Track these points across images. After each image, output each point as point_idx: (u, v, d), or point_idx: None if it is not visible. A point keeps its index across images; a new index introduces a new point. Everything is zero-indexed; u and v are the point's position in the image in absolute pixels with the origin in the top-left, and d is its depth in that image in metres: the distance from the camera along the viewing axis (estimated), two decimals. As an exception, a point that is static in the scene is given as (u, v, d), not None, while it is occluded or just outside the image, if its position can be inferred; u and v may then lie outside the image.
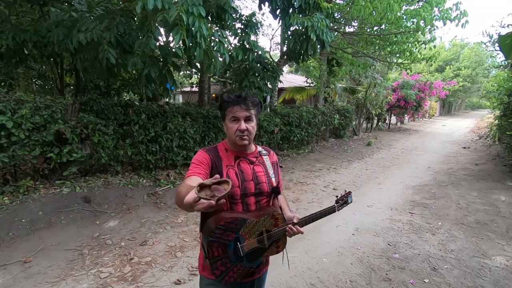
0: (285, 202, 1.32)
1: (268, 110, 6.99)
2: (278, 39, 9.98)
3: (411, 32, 6.02)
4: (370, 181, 5.49)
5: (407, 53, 6.67)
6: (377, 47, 7.29)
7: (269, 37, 17.07)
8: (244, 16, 5.09)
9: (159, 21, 2.88)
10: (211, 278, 1.16)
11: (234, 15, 4.23)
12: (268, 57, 6.30)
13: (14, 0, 4.06)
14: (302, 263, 2.64)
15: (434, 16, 5.69)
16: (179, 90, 11.64)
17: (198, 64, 5.91)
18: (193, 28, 2.91)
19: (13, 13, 4.49)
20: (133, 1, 3.15)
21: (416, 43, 6.50)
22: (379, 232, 3.30)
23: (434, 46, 7.07)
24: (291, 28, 4.71)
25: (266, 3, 4.64)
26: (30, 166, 3.44)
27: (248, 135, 1.14)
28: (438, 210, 3.99)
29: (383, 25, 5.90)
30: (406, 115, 15.62)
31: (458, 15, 5.44)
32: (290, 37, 4.80)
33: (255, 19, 5.10)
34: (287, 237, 1.20)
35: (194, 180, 0.99)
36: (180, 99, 14.27)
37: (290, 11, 4.52)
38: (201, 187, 0.79)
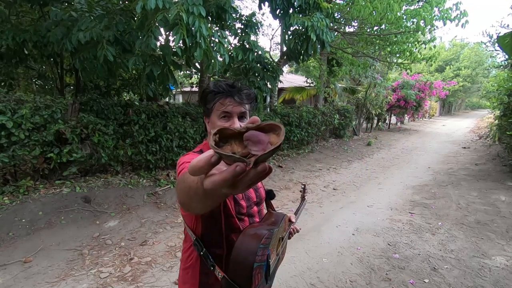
0: None
1: (268, 110, 6.99)
2: (278, 39, 9.98)
3: (411, 32, 6.02)
4: (370, 181, 5.49)
5: (407, 53, 6.67)
6: (377, 47, 7.30)
7: (269, 37, 17.08)
8: (244, 16, 5.09)
9: (159, 21, 2.88)
10: None
11: (234, 15, 4.23)
12: (268, 57, 6.29)
13: (14, 0, 4.06)
14: (302, 263, 2.64)
15: (434, 16, 5.69)
16: (179, 90, 11.63)
17: (197, 64, 5.90)
18: (193, 28, 2.91)
19: (13, 13, 4.49)
20: (133, 1, 3.15)
21: (416, 43, 6.50)
22: (379, 232, 3.30)
23: (434, 46, 7.07)
24: (291, 28, 4.71)
25: (266, 3, 4.64)
26: (30, 166, 3.44)
27: None
28: (438, 210, 3.99)
29: (383, 25, 5.90)
30: (406, 115, 15.61)
31: (458, 15, 5.45)
32: (290, 37, 4.80)
33: (255, 19, 5.10)
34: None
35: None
36: (180, 99, 14.26)
37: (290, 11, 4.52)
38: (223, 135, 0.40)
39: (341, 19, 6.89)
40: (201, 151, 0.93)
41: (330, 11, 4.64)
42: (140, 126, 4.25)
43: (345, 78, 11.99)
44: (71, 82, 6.30)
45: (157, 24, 2.98)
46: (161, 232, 3.19)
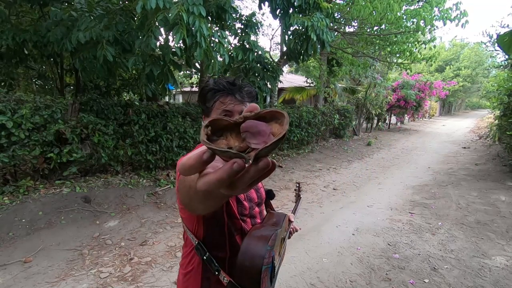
0: None
1: (268, 110, 6.97)
2: (278, 39, 9.98)
3: (411, 32, 6.03)
4: (370, 181, 5.49)
5: (407, 53, 6.68)
6: (377, 47, 7.30)
7: (269, 37, 17.09)
8: (244, 16, 5.09)
9: (159, 20, 2.88)
10: None
11: (234, 15, 4.23)
12: (268, 57, 6.30)
13: (14, 0, 4.06)
14: (302, 263, 2.64)
15: (434, 16, 5.70)
16: (179, 90, 11.63)
17: (197, 64, 5.91)
18: (193, 28, 2.91)
19: (13, 13, 4.49)
20: (133, 1, 3.15)
21: (416, 43, 6.50)
22: (379, 232, 3.30)
23: (434, 46, 7.07)
24: (291, 28, 4.71)
25: (266, 3, 4.64)
26: (30, 166, 3.44)
27: None
28: (438, 210, 3.99)
29: (383, 25, 5.91)
30: (406, 115, 15.61)
31: (458, 15, 5.45)
32: (290, 37, 4.80)
33: (255, 19, 5.11)
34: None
35: None
36: (180, 99, 14.26)
37: (290, 11, 4.53)
38: (217, 128, 0.35)
39: (341, 19, 6.90)
40: None
41: (330, 11, 4.64)
42: (140, 126, 4.25)
43: (345, 78, 11.99)
44: (71, 82, 6.30)
45: (157, 24, 2.98)
46: (161, 232, 3.19)
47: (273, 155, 6.31)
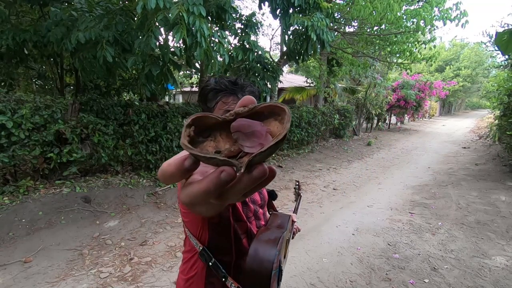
0: None
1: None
2: (278, 39, 9.99)
3: (411, 32, 6.03)
4: (370, 181, 5.49)
5: (407, 53, 6.68)
6: (377, 47, 7.30)
7: (269, 37, 17.08)
8: (244, 16, 5.09)
9: (159, 20, 2.88)
10: None
11: (234, 15, 4.24)
12: (268, 57, 6.30)
13: (14, 0, 4.06)
14: (302, 263, 2.64)
15: (434, 16, 5.70)
16: (179, 90, 11.63)
17: (197, 64, 5.90)
18: (193, 28, 2.91)
19: (13, 13, 4.49)
20: (133, 1, 3.15)
21: (416, 43, 6.50)
22: (379, 232, 3.30)
23: (434, 46, 7.07)
24: (291, 28, 4.71)
25: (266, 3, 4.64)
26: (30, 166, 3.44)
27: None
28: (438, 210, 3.99)
29: (383, 25, 5.91)
30: (406, 115, 15.61)
31: (458, 15, 5.45)
32: (290, 37, 4.80)
33: (255, 19, 5.10)
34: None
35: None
36: (180, 99, 14.26)
37: (290, 11, 4.53)
38: (204, 126, 0.29)
39: (341, 19, 6.90)
40: None
41: (330, 11, 4.64)
42: (140, 126, 4.25)
43: (345, 78, 11.99)
44: (71, 82, 6.30)
45: (157, 24, 2.98)
46: (161, 232, 3.19)
47: (273, 155, 6.30)
